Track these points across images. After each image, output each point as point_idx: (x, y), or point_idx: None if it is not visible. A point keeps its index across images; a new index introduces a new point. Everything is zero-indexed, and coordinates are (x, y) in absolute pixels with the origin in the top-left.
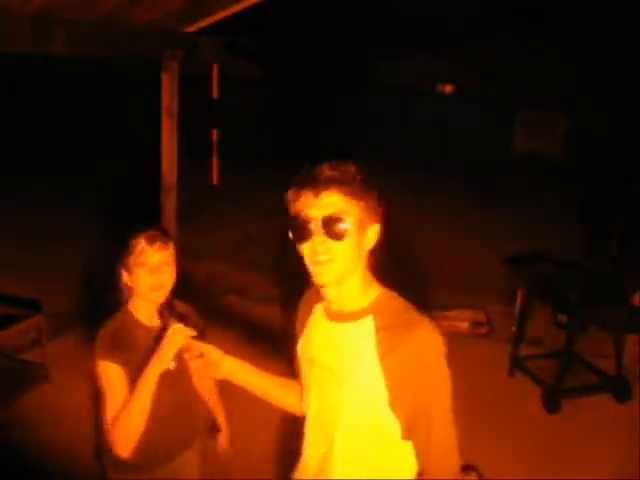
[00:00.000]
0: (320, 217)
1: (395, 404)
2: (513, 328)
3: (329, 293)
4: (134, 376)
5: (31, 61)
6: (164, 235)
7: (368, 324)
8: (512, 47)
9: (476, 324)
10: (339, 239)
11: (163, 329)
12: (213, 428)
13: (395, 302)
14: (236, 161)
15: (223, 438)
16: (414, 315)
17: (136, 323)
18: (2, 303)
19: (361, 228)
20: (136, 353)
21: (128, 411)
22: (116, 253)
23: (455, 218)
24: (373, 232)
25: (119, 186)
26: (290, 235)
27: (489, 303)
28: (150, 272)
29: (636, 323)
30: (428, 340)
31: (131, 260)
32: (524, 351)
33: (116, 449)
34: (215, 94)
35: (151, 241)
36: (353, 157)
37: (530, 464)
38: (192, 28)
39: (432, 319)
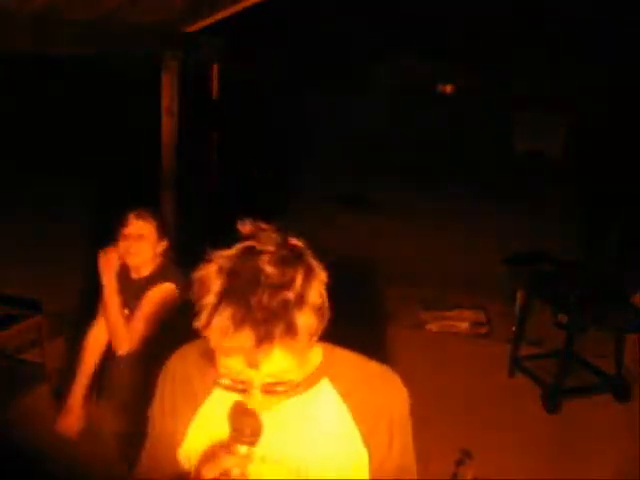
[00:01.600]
0: (260, 384)
1: (377, 473)
2: (513, 328)
3: None
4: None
5: (31, 61)
6: (148, 212)
7: (326, 389)
8: (512, 47)
9: (476, 324)
10: (282, 398)
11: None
12: None
13: (345, 354)
14: (236, 161)
15: None
16: (376, 366)
17: (125, 269)
18: (2, 303)
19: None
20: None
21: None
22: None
23: (455, 218)
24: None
25: (119, 186)
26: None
27: (489, 303)
28: (126, 240)
29: (636, 323)
30: (403, 391)
31: (119, 231)
32: (524, 351)
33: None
34: (215, 94)
35: (134, 215)
36: (352, 157)
37: (530, 464)
38: (192, 28)
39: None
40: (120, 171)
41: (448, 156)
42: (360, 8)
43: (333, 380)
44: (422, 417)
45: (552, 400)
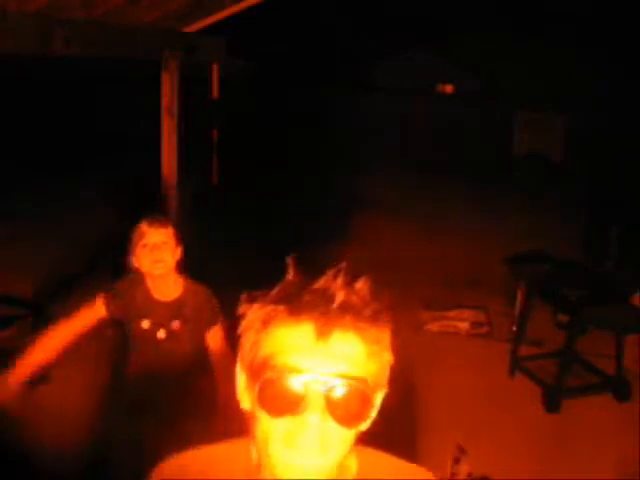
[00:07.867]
0: (328, 381)
1: None
2: (513, 328)
3: None
4: (115, 321)
5: (30, 61)
6: (163, 217)
7: None
8: (512, 47)
9: (476, 324)
10: (352, 425)
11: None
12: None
13: (382, 460)
14: (236, 161)
15: None
16: (418, 472)
17: (145, 290)
18: (2, 303)
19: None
20: (128, 311)
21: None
22: (116, 252)
23: (455, 218)
24: (378, 400)
25: (119, 186)
26: (249, 396)
27: (489, 303)
28: (150, 250)
29: (636, 323)
30: None
31: (134, 243)
32: (524, 351)
33: None
34: (215, 94)
35: (150, 223)
36: (352, 157)
37: (530, 464)
38: (192, 28)
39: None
40: (120, 171)
41: (448, 156)
42: (361, 9)
43: None
44: (422, 416)
45: (552, 400)
